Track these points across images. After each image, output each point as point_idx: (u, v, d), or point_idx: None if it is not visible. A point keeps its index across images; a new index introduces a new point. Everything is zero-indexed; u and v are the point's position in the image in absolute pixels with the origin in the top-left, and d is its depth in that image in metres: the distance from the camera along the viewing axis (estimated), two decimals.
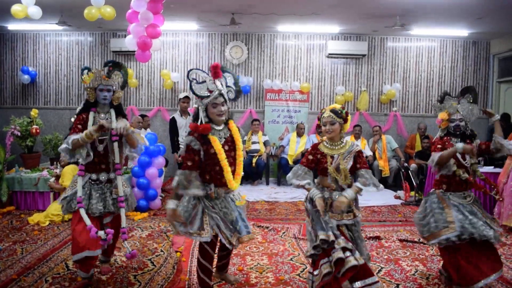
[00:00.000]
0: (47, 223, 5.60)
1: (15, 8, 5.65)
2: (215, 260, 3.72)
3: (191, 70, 3.39)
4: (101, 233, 3.53)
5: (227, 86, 3.38)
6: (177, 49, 9.51)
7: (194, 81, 3.31)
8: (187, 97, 7.72)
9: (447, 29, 8.60)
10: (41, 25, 8.61)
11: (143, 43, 5.41)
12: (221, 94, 3.28)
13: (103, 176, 3.77)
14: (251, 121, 8.98)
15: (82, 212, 3.59)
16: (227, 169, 3.26)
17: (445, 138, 3.81)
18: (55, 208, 5.76)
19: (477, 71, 9.60)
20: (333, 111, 3.37)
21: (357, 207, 3.47)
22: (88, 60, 9.49)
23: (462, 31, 8.70)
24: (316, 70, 9.56)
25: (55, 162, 6.78)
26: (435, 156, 3.69)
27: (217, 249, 3.64)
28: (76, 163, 5.94)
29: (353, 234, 3.37)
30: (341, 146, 3.41)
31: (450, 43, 9.53)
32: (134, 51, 5.64)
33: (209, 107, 3.29)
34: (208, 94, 3.27)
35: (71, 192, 3.72)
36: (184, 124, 7.57)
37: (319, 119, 3.44)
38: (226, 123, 3.42)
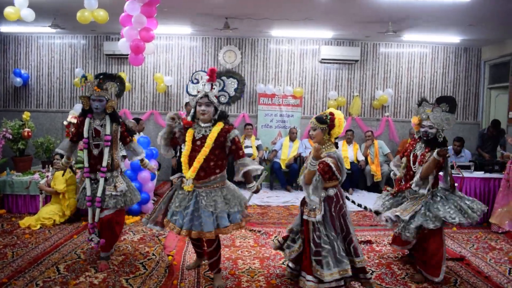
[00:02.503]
0: (38, 226, 5.56)
1: (8, 11, 5.64)
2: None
3: (196, 71, 3.86)
4: (94, 237, 4.20)
5: (221, 91, 3.77)
6: (171, 53, 9.52)
7: (192, 81, 3.77)
8: (188, 103, 7.86)
9: (439, 36, 8.68)
10: (34, 28, 8.58)
11: (136, 47, 5.42)
12: (206, 96, 3.69)
13: (99, 177, 4.16)
14: (244, 125, 8.99)
15: (90, 211, 4.18)
16: (185, 154, 3.72)
17: (416, 139, 4.20)
18: (46, 212, 5.73)
19: (468, 77, 9.69)
20: (316, 117, 3.71)
21: (330, 210, 3.67)
22: (81, 63, 9.46)
23: (454, 38, 8.79)
24: (309, 75, 9.60)
25: (47, 165, 6.75)
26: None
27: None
28: (70, 166, 5.97)
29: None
30: (323, 150, 3.64)
31: (442, 50, 9.63)
32: (127, 55, 5.64)
33: (196, 105, 3.75)
34: (197, 94, 3.78)
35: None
36: None
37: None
38: (215, 123, 3.75)
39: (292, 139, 8.76)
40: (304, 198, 3.77)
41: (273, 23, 8.02)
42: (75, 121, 7.31)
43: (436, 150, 3.83)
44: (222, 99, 3.87)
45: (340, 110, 9.51)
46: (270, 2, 6.67)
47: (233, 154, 3.78)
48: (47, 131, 9.17)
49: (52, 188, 5.84)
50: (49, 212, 5.73)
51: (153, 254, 4.65)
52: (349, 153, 8.57)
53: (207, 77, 3.78)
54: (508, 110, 8.59)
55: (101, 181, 4.11)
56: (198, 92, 3.76)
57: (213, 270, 3.90)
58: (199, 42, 9.49)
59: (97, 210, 4.13)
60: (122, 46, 5.64)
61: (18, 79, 9.20)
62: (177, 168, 6.68)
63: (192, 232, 3.59)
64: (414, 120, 4.12)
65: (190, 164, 3.70)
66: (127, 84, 9.22)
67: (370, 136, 8.82)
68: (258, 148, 8.75)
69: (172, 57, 9.51)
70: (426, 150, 4.02)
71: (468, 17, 7.04)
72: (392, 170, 4.56)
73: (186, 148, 3.72)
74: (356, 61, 9.40)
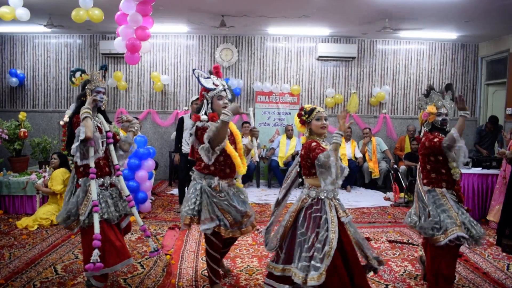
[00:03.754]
0: (36, 227, 5.54)
1: (3, 10, 5.59)
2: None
3: (195, 69, 3.63)
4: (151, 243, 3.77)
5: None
6: (167, 52, 9.49)
7: (201, 77, 3.58)
8: (198, 99, 7.91)
9: (436, 32, 8.67)
10: (30, 27, 8.54)
11: (131, 45, 5.40)
12: (225, 89, 3.58)
13: (107, 180, 3.69)
14: (241, 123, 8.98)
15: (96, 217, 3.40)
16: (235, 155, 3.52)
17: (435, 133, 3.69)
18: (43, 212, 5.71)
19: (465, 74, 9.69)
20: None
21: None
22: (77, 63, 9.42)
23: (451, 34, 8.78)
24: (306, 72, 9.59)
25: (44, 166, 6.72)
26: (451, 134, 3.43)
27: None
28: (67, 166, 5.94)
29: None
30: (327, 143, 3.32)
31: (439, 46, 9.62)
32: (124, 54, 5.62)
33: (214, 99, 3.55)
34: (215, 87, 3.54)
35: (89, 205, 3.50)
36: (190, 126, 7.59)
37: (301, 115, 3.31)
38: None
39: (289, 137, 8.74)
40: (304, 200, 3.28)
41: (269, 20, 8.00)
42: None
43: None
44: (229, 94, 3.66)
45: (338, 107, 9.53)
46: (265, 0, 6.65)
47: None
48: (43, 131, 9.14)
49: (49, 189, 5.81)
50: (46, 213, 5.70)
51: None
52: (347, 150, 8.57)
53: (212, 75, 3.64)
54: (506, 106, 8.59)
55: (121, 179, 3.74)
56: (215, 85, 3.56)
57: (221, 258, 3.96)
58: (196, 40, 9.46)
59: (135, 211, 3.75)
60: (118, 45, 5.62)
61: (14, 79, 9.17)
62: (185, 167, 6.23)
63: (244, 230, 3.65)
64: (431, 109, 3.75)
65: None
66: (123, 83, 9.19)
67: (368, 133, 8.82)
68: None
69: (168, 55, 9.48)
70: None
71: (465, 13, 7.03)
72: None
73: (229, 146, 3.54)
74: (353, 58, 9.39)
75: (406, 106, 9.67)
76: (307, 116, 3.30)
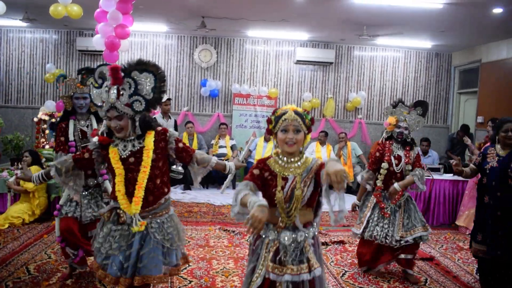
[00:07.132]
0: (7, 225, 5.40)
1: None
2: None
3: (100, 66, 2.76)
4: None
5: (132, 95, 2.66)
6: (145, 51, 9.40)
7: (94, 85, 2.75)
8: (168, 99, 8.10)
9: (412, 41, 8.87)
10: (4, 21, 8.33)
11: (111, 43, 5.33)
12: (114, 107, 2.63)
13: (91, 182, 3.69)
14: (218, 125, 8.98)
15: (57, 221, 3.74)
16: (119, 188, 2.69)
17: (387, 142, 4.22)
18: (15, 211, 5.57)
19: (438, 82, 9.94)
20: (298, 113, 2.38)
21: (318, 257, 2.42)
22: (52, 59, 9.24)
23: (426, 43, 8.99)
24: (284, 76, 9.65)
25: (16, 163, 6.57)
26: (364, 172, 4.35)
27: None
28: (40, 164, 5.82)
29: None
30: (300, 164, 2.41)
31: (414, 54, 9.83)
32: (101, 51, 5.55)
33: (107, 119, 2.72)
34: (102, 104, 2.69)
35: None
36: (165, 125, 7.57)
37: (271, 121, 2.43)
38: (143, 135, 2.75)
39: (267, 140, 8.78)
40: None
41: (249, 23, 8.03)
42: (46, 118, 7.16)
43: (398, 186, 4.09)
44: (137, 105, 2.65)
45: (314, 111, 9.62)
46: (246, 3, 6.68)
47: (184, 154, 2.86)
48: (16, 128, 8.90)
49: (21, 187, 5.68)
50: (18, 211, 5.57)
51: None
52: (322, 154, 8.66)
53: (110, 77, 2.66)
54: (477, 115, 8.84)
55: (106, 183, 3.69)
56: (103, 102, 2.67)
57: None
58: (175, 40, 9.41)
59: None
60: (96, 42, 5.53)
61: None
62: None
63: (136, 278, 2.63)
64: (391, 120, 4.18)
65: (129, 192, 2.69)
66: None
67: (343, 138, 8.93)
68: (232, 148, 8.75)
69: (146, 55, 9.39)
70: (407, 148, 4.19)
71: (440, 23, 7.21)
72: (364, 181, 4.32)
73: (118, 173, 2.69)
74: (331, 63, 9.51)
75: (381, 112, 9.84)
76: (273, 124, 2.41)
